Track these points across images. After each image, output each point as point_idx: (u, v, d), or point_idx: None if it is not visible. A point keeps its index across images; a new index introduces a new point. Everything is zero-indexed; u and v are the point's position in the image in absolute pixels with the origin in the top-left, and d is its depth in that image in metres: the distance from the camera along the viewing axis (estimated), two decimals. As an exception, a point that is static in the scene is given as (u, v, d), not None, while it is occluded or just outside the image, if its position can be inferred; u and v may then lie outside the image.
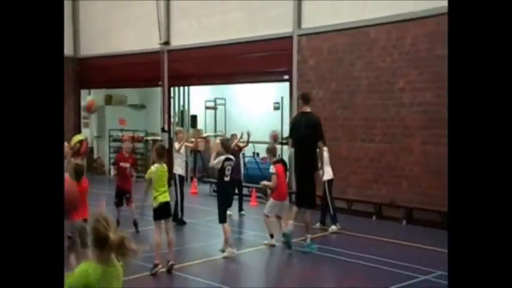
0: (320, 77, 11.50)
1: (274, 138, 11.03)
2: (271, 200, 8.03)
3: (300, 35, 11.84)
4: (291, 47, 11.99)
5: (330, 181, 8.71)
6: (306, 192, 7.63)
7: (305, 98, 7.79)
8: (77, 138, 9.21)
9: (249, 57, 13.09)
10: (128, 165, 8.89)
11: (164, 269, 6.45)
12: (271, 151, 8.09)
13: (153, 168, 6.55)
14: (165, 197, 6.51)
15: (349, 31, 10.93)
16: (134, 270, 6.56)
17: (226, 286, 6.23)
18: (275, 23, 12.31)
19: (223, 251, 7.34)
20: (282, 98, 13.88)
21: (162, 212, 6.50)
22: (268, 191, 8.82)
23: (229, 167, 7.38)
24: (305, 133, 7.48)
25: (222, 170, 7.30)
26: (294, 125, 7.77)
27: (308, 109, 7.72)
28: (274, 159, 8.05)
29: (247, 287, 6.24)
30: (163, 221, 6.51)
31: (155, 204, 6.47)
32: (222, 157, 7.36)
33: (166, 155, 7.02)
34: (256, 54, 12.92)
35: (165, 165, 6.69)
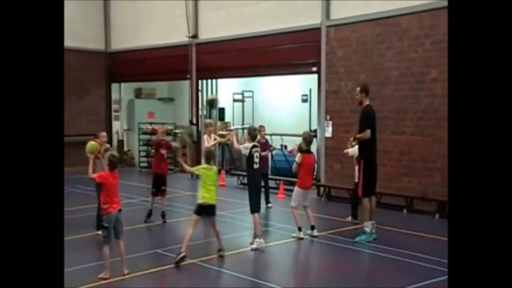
0: (349, 69, 11.30)
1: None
2: (295, 189, 8.06)
3: (328, 26, 11.66)
4: (319, 38, 11.82)
5: None
6: (375, 181, 7.87)
7: (368, 91, 7.80)
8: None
9: (277, 49, 12.99)
10: (164, 150, 9.11)
11: (191, 261, 6.51)
12: (306, 139, 8.05)
13: (202, 165, 6.72)
14: (212, 200, 6.65)
15: (379, 21, 10.69)
16: (161, 261, 6.65)
17: (254, 278, 6.22)
18: (303, 14, 12.15)
19: (252, 243, 7.34)
20: (310, 90, 13.74)
21: (205, 210, 6.65)
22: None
23: (257, 154, 7.41)
24: (376, 125, 7.71)
25: (250, 157, 7.33)
26: (374, 116, 7.73)
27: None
28: (306, 148, 8.02)
29: (275, 280, 6.20)
30: (200, 217, 6.66)
31: (201, 201, 6.62)
32: (249, 144, 7.39)
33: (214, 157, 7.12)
34: (284, 46, 12.81)
35: (214, 167, 6.85)
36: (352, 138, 8.06)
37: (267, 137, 11.28)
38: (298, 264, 7.36)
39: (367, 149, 7.70)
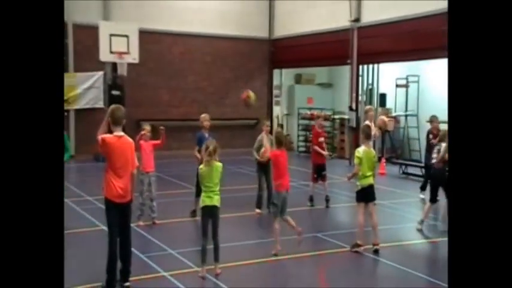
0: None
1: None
2: None
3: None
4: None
5: None
6: None
7: None
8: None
9: (446, 29, 11.94)
10: (322, 139, 9.30)
11: (361, 249, 6.46)
12: None
13: (360, 150, 6.54)
14: (368, 180, 6.48)
15: None
16: (320, 246, 6.75)
17: (419, 273, 5.89)
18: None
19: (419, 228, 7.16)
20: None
21: (365, 194, 6.53)
22: None
23: (437, 148, 7.19)
24: None
25: (429, 149, 7.17)
26: None
27: None
28: None
29: (444, 279, 5.80)
30: (363, 204, 6.55)
31: (359, 187, 6.54)
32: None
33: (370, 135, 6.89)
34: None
35: (372, 150, 6.69)
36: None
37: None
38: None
39: None
